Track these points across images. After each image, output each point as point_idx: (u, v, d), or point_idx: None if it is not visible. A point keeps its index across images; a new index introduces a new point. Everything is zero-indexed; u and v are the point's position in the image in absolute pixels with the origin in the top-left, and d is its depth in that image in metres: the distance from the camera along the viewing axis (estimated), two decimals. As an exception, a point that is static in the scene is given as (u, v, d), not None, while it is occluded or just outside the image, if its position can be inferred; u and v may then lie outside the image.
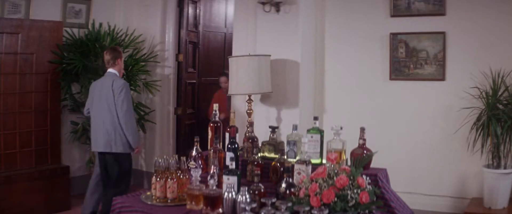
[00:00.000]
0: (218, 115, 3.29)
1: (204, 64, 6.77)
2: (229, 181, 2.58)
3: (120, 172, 4.44)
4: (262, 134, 4.78)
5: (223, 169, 2.76)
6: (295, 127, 2.97)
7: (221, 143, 3.09)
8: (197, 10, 6.59)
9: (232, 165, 2.64)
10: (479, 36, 4.68)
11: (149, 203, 2.78)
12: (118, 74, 4.51)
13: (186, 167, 2.90)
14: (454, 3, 4.74)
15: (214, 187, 2.52)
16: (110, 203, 3.08)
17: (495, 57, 4.57)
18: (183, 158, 2.90)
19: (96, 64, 5.27)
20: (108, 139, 4.35)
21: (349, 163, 2.61)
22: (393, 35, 4.93)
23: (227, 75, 4.97)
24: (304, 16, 4.86)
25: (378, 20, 5.01)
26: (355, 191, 2.30)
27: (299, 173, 2.64)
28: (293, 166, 2.69)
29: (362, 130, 2.87)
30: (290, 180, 2.60)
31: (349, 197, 2.28)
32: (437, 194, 4.86)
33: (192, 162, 3.00)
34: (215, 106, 3.27)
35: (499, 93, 4.44)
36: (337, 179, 2.32)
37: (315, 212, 2.18)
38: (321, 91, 5.25)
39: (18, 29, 4.89)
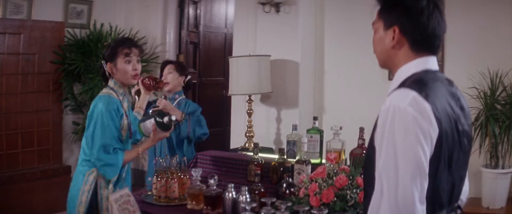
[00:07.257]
0: None
1: (205, 65, 6.79)
2: (230, 180, 2.61)
3: None
4: (262, 134, 4.81)
5: (224, 169, 2.78)
6: (294, 127, 2.99)
7: None
8: (198, 11, 6.61)
9: (232, 165, 2.66)
10: (477, 36, 4.68)
11: (150, 202, 2.80)
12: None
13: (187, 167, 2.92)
14: (452, 3, 4.75)
15: (215, 187, 2.55)
16: None
17: (493, 57, 4.58)
18: (184, 158, 2.92)
19: (97, 65, 5.29)
20: None
21: (348, 163, 2.62)
22: (392, 36, 4.95)
23: None
24: (304, 16, 4.89)
25: (377, 21, 5.03)
26: (354, 190, 2.31)
27: (299, 173, 2.66)
28: (293, 166, 2.71)
29: (361, 130, 2.89)
30: (290, 180, 2.62)
31: (348, 196, 2.29)
32: (436, 193, 4.88)
33: (193, 162, 3.02)
34: None
35: (497, 93, 4.46)
36: (337, 179, 2.33)
37: (315, 211, 2.19)
38: (321, 91, 5.27)
39: (20, 29, 4.91)
